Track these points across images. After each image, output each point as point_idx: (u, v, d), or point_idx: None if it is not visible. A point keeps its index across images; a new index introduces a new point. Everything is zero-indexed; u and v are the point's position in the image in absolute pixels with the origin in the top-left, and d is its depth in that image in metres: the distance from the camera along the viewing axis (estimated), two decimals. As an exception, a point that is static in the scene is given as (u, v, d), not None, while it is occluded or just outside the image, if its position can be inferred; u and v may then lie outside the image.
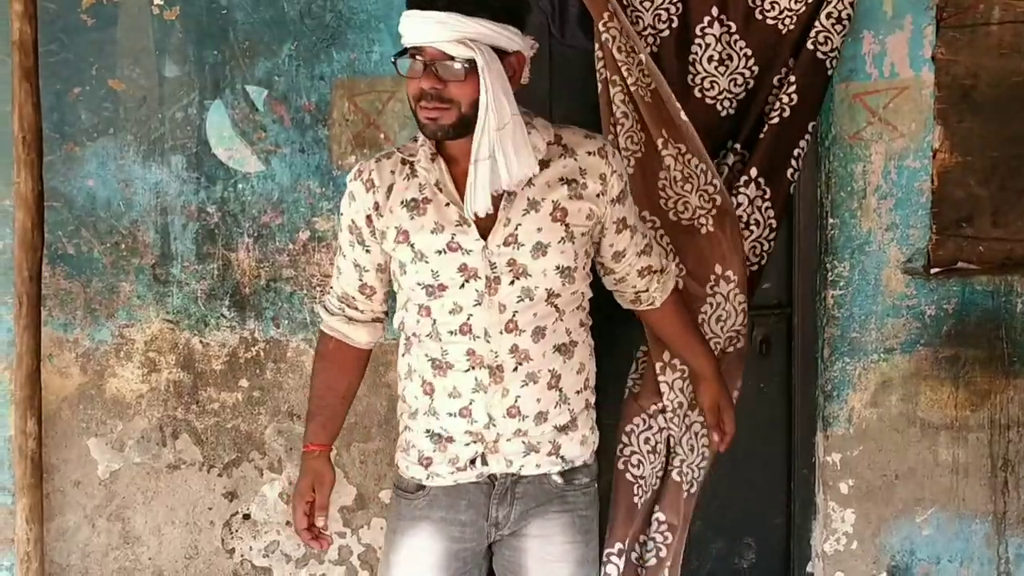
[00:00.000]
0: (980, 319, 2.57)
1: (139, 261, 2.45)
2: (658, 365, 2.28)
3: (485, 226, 1.69)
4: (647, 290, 1.92)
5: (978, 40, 2.46)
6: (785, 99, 2.31)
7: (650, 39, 2.30)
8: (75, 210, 2.43)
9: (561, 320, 1.75)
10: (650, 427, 2.32)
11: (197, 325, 2.48)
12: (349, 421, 2.49)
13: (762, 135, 2.32)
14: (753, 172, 2.31)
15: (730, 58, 2.33)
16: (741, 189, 2.32)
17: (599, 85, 2.30)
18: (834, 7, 2.30)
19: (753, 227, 2.35)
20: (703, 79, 2.33)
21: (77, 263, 2.45)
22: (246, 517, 2.54)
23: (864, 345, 2.57)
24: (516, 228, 1.69)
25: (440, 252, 1.70)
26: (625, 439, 2.33)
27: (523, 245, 1.69)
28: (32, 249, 2.32)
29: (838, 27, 2.31)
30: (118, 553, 2.53)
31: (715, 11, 2.29)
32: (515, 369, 1.72)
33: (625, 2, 2.28)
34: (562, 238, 1.71)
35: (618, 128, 2.28)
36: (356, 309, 1.86)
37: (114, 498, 2.51)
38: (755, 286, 2.40)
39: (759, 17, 2.32)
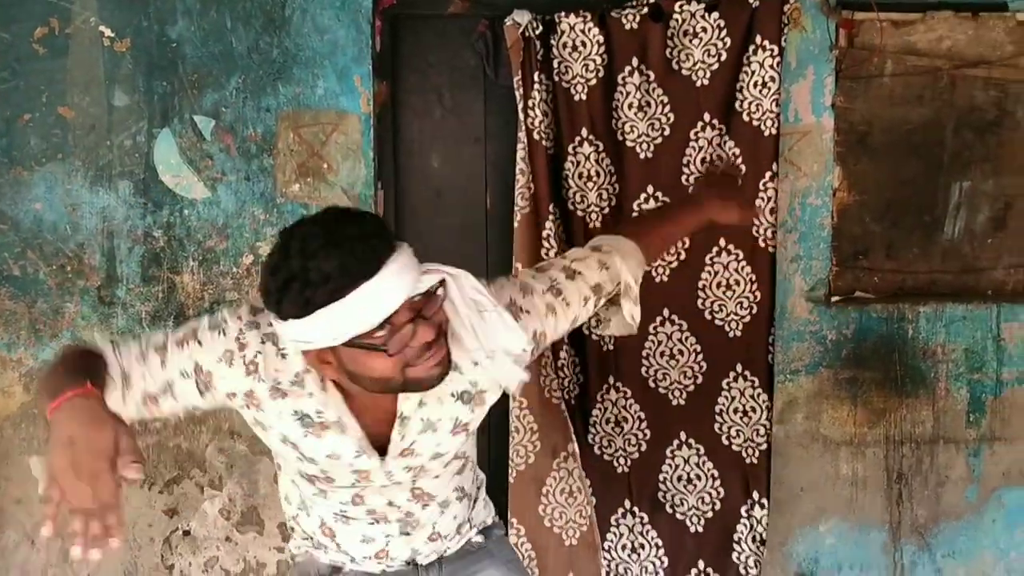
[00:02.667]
0: (876, 344, 2.73)
1: (84, 283, 2.51)
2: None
3: (378, 439, 1.45)
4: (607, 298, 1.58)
5: (873, 90, 2.66)
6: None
7: (579, 87, 2.45)
8: (22, 232, 2.48)
9: (459, 459, 1.59)
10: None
11: (141, 346, 2.54)
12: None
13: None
14: (722, 241, 2.52)
15: (648, 105, 2.47)
16: (715, 258, 2.54)
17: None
18: (758, 75, 2.45)
19: (735, 287, 2.54)
20: (624, 123, 2.47)
21: (23, 284, 2.49)
22: (186, 533, 2.59)
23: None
24: (412, 444, 1.47)
25: (334, 463, 1.46)
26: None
27: (421, 455, 1.49)
28: (-21, 270, 2.37)
29: (764, 91, 2.45)
30: (57, 571, 2.55)
31: (635, 61, 2.43)
32: (425, 507, 1.58)
33: (554, 53, 2.43)
34: (463, 440, 1.53)
35: (516, 183, 2.46)
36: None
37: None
38: (768, 330, 2.57)
39: (675, 67, 2.45)
